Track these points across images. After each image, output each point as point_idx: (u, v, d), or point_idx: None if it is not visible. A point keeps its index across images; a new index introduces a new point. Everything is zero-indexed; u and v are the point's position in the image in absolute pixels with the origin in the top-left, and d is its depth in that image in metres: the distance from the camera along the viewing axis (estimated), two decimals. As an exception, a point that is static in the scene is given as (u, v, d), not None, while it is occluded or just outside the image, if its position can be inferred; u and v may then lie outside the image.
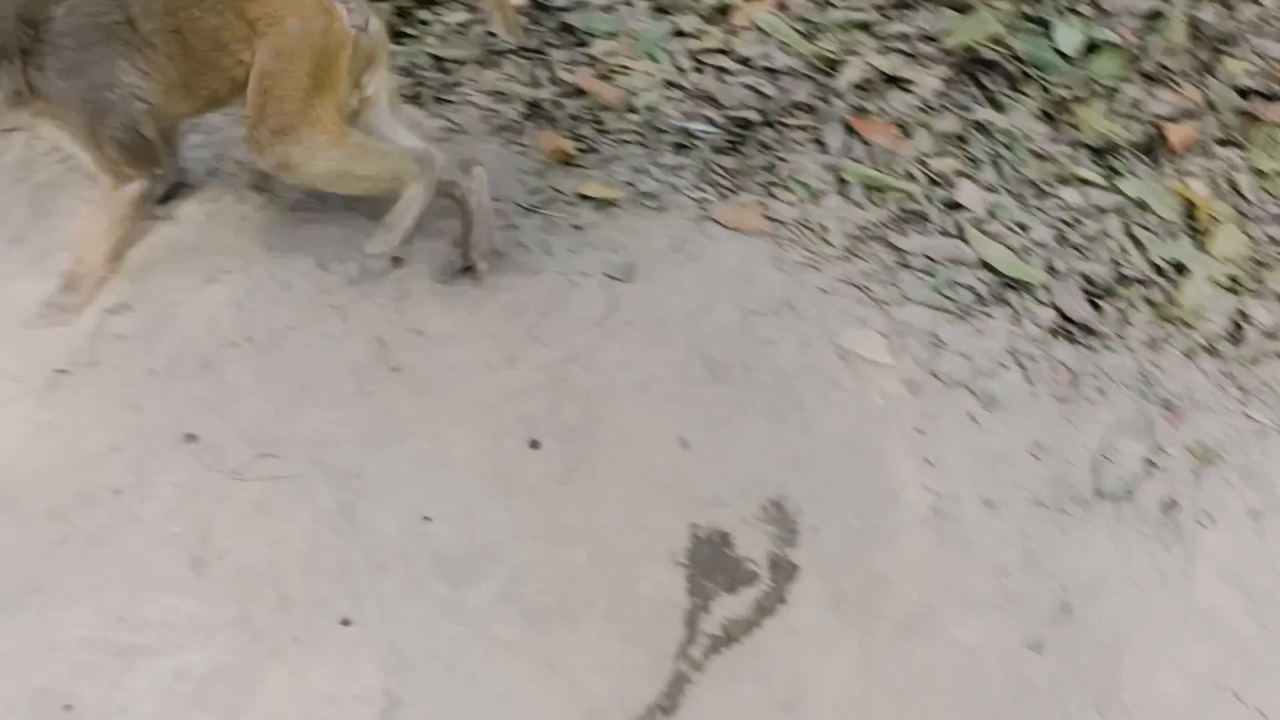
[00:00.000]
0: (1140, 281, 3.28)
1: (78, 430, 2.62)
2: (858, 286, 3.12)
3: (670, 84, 3.57)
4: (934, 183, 3.39)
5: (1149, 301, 3.26)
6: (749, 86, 3.60)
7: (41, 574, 2.41)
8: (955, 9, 3.89)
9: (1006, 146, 3.53)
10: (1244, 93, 3.80)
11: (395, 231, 2.87)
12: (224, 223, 3.02)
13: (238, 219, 3.03)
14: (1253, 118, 3.74)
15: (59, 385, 2.68)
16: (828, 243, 3.20)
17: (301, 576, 2.47)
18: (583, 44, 3.67)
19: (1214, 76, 3.83)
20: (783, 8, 3.89)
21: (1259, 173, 3.63)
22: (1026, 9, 3.90)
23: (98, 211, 2.79)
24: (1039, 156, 3.53)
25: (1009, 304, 3.15)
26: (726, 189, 3.29)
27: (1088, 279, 3.24)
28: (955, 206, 3.34)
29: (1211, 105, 3.75)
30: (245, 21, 2.66)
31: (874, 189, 3.35)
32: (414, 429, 2.70)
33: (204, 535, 2.49)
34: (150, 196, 2.78)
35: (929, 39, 3.83)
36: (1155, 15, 3.92)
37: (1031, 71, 3.73)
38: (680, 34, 3.75)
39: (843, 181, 3.36)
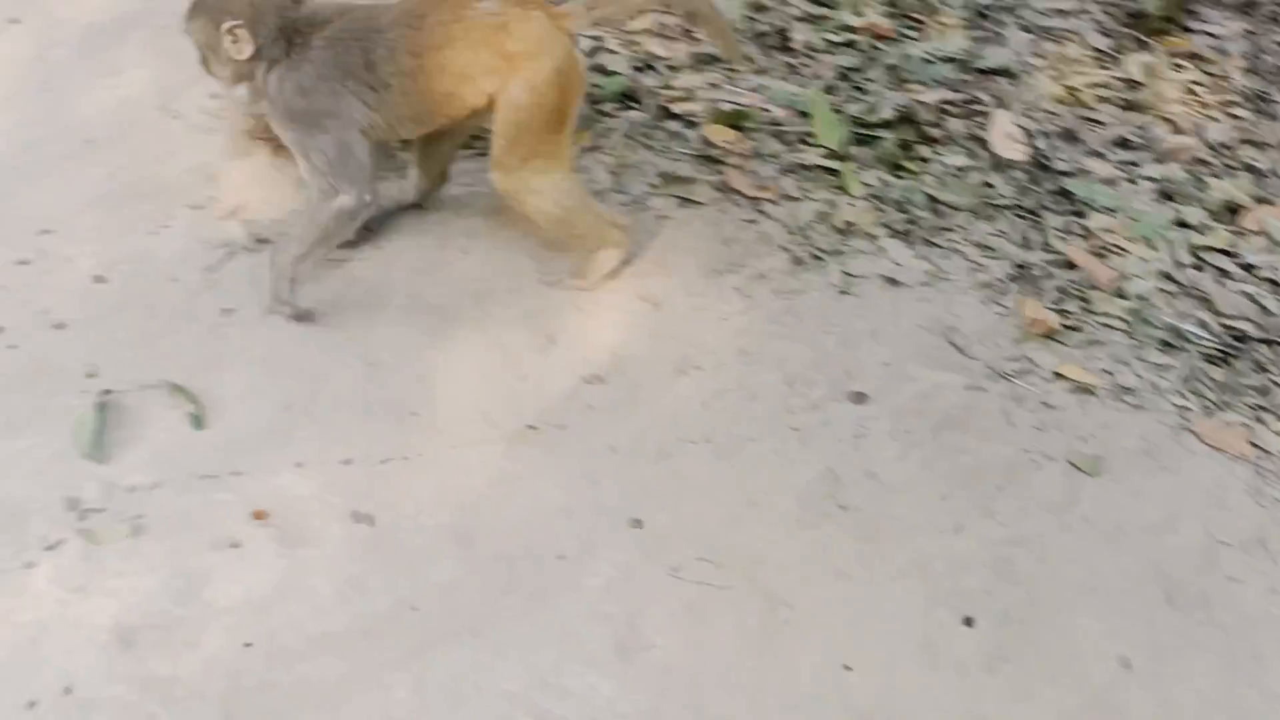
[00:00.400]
0: None
1: (536, 487, 2.72)
2: (1343, 543, 2.86)
3: (1165, 276, 3.42)
4: None
5: None
6: (1250, 296, 3.40)
7: (482, 617, 2.50)
8: None
9: None
10: None
11: (590, 281, 3.10)
12: (704, 317, 3.10)
13: (717, 318, 3.10)
14: None
15: (528, 439, 2.80)
16: (1315, 486, 2.96)
17: (716, 690, 2.45)
18: (1079, 214, 3.57)
19: None
20: (1297, 217, 3.66)
21: None
22: None
23: (304, 219, 2.96)
24: None
25: None
26: (1211, 402, 3.10)
27: None
28: None
29: None
30: (500, 55, 2.84)
31: (1377, 440, 3.08)
32: (851, 572, 2.66)
33: (633, 622, 2.53)
34: (357, 214, 2.93)
35: None
36: None
37: None
38: (1182, 225, 3.59)
39: (1342, 424, 3.10)
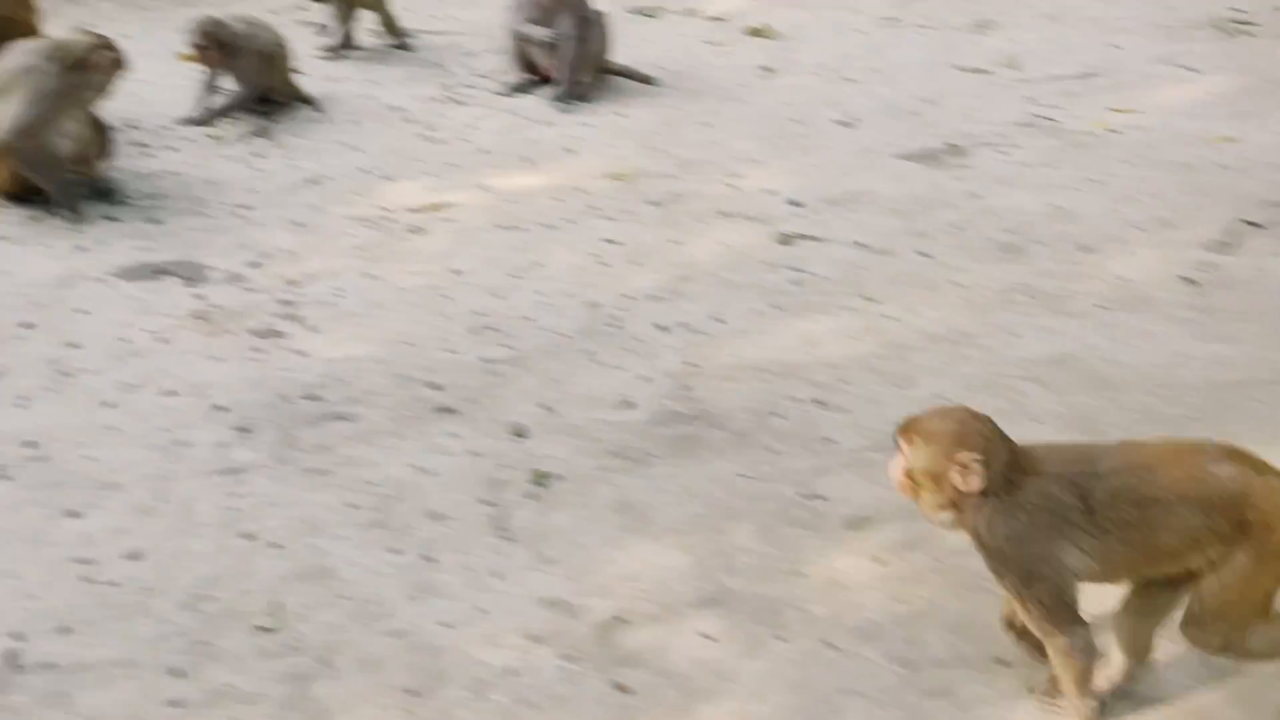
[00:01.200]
0: None
1: None
2: None
3: None
4: None
5: None
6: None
7: None
8: None
9: None
10: None
11: None
12: None
13: None
14: None
15: None
16: None
17: None
18: None
19: None
20: None
21: None
22: None
23: (1055, 662, 2.92)
24: None
25: None
26: None
27: None
28: None
29: None
30: (1234, 522, 2.72)
31: None
32: None
33: None
34: (1078, 649, 2.86)
35: None
36: None
37: None
38: None
39: None
